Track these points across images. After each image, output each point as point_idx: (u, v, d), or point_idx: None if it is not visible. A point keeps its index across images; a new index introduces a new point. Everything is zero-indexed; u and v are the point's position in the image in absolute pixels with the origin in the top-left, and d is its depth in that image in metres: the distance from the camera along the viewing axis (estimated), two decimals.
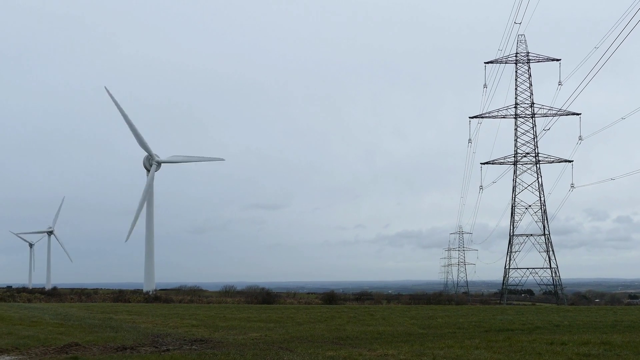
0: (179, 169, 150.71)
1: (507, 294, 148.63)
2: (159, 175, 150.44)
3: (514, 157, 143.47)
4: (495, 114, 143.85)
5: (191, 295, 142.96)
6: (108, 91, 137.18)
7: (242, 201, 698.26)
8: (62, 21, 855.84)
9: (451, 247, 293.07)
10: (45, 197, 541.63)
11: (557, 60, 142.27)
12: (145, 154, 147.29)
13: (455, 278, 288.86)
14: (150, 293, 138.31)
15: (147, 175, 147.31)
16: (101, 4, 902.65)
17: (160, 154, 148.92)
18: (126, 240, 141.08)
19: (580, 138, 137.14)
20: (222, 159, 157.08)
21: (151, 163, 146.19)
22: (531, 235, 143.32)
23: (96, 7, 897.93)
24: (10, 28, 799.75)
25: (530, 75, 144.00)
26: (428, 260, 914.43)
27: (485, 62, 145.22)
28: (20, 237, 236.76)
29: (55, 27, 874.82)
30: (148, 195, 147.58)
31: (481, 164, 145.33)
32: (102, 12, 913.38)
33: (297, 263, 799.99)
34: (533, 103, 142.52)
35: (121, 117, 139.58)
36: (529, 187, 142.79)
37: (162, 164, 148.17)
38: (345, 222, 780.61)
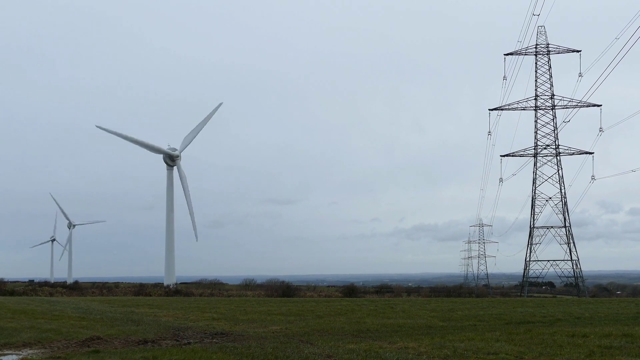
0: (196, 164, 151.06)
1: (528, 287, 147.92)
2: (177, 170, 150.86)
3: (534, 149, 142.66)
4: (515, 106, 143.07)
5: (211, 289, 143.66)
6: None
7: (260, 195, 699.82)
8: (86, 17, 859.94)
9: (471, 239, 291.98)
10: (70, 192, 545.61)
11: (578, 51, 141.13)
12: (169, 145, 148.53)
13: (475, 271, 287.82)
14: (171, 287, 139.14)
15: (167, 170, 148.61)
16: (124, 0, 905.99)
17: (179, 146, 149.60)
18: (97, 125, 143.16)
19: (600, 130, 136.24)
20: (196, 239, 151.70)
21: (173, 159, 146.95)
22: (551, 227, 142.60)
23: (120, 3, 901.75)
24: (36, 25, 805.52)
25: (550, 67, 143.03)
26: (447, 253, 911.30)
27: (504, 54, 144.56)
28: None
29: (80, 23, 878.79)
30: (168, 192, 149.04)
31: (501, 156, 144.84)
32: (126, 8, 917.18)
33: (315, 256, 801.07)
34: (553, 95, 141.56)
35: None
36: (549, 179, 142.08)
37: (176, 162, 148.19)
38: (363, 216, 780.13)
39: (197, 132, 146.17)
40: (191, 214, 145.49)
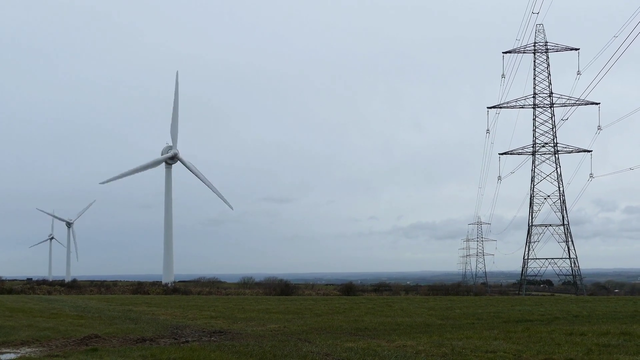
0: (195, 162, 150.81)
1: (526, 285, 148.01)
2: (175, 167, 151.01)
3: (533, 147, 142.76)
4: (514, 104, 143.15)
5: (210, 287, 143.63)
6: (177, 76, 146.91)
7: (258, 193, 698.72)
8: (87, 15, 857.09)
9: (469, 237, 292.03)
10: (69, 190, 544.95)
11: (576, 49, 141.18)
12: (167, 144, 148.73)
13: (473, 269, 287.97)
14: (169, 285, 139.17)
15: (166, 169, 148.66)
16: None
17: (180, 145, 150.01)
18: (101, 183, 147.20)
19: (599, 128, 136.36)
20: (232, 208, 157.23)
21: (167, 151, 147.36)
22: (550, 225, 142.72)
23: (120, 1, 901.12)
24: (37, 23, 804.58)
25: (548, 65, 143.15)
26: (445, 251, 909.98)
27: (503, 52, 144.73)
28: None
29: (80, 21, 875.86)
30: (167, 190, 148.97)
31: (499, 154, 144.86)
32: (126, 6, 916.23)
33: (314, 254, 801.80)
34: (552, 93, 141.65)
35: (172, 103, 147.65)
36: (547, 177, 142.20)
37: (177, 159, 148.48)
38: (361, 214, 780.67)
39: (176, 110, 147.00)
40: (215, 191, 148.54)
